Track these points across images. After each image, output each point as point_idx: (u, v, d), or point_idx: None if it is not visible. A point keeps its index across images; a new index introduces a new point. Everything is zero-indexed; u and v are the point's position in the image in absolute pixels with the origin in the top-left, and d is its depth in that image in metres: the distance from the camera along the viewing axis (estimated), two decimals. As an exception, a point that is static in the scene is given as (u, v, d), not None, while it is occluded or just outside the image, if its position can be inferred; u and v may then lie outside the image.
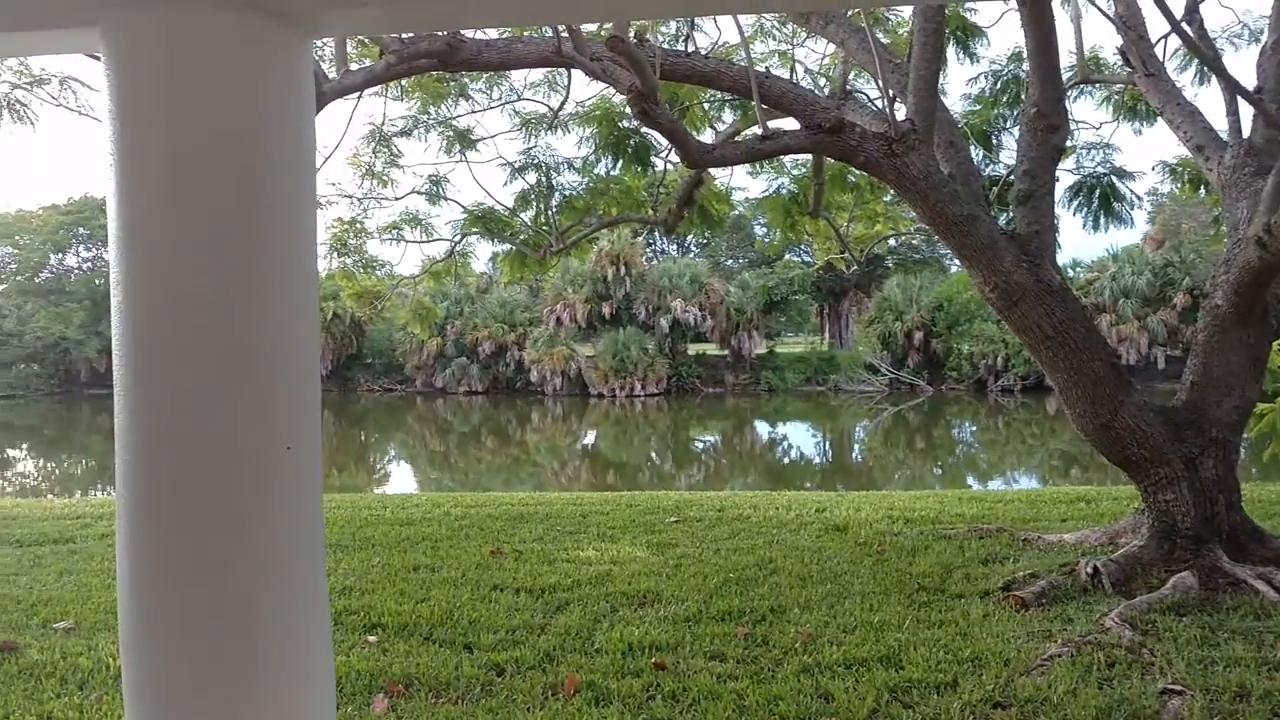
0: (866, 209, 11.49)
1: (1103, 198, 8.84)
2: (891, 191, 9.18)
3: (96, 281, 44.72)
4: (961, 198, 6.26)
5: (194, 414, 1.75)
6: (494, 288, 38.52)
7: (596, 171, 9.92)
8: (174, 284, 1.75)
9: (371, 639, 5.41)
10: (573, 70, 8.45)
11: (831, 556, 7.06)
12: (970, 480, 20.61)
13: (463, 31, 6.46)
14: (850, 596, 6.05)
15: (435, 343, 37.20)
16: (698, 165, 7.39)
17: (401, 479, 23.92)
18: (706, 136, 9.04)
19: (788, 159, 9.57)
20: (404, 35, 6.33)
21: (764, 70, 7.55)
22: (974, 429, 30.80)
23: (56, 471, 26.15)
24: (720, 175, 10.25)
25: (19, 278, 45.87)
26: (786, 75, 8.73)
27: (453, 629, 5.57)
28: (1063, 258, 7.17)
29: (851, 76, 8.71)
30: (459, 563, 7.08)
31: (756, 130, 7.54)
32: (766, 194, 10.42)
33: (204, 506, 1.77)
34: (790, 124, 7.07)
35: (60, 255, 46.17)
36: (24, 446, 32.22)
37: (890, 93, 6.73)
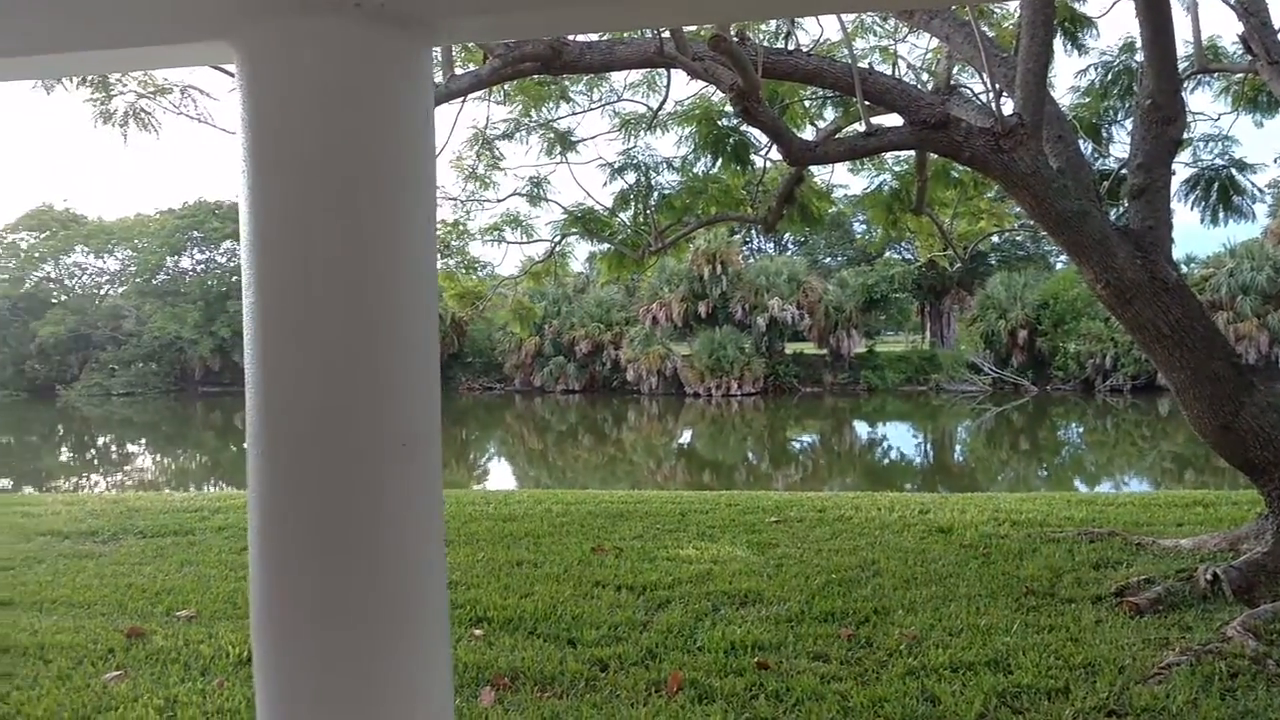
0: (970, 205, 11.27)
1: (1221, 191, 8.52)
2: (997, 187, 9.01)
3: (209, 283, 46.35)
4: (1071, 193, 6.11)
5: (320, 412, 1.81)
6: (591, 287, 38.80)
7: (695, 170, 9.93)
8: (302, 286, 1.81)
9: (478, 632, 5.51)
10: (673, 70, 8.48)
11: (936, 558, 6.96)
12: (1078, 483, 20.08)
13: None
14: (956, 599, 5.95)
15: (533, 342, 37.65)
16: (799, 163, 7.36)
17: (501, 476, 24.29)
18: (807, 134, 8.99)
19: (889, 155, 9.46)
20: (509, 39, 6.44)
21: (867, 66, 7.47)
22: (1081, 430, 29.98)
23: (173, 466, 27.16)
24: (820, 172, 10.18)
25: (138, 280, 47.76)
26: (889, 71, 8.62)
27: (556, 624, 5.65)
28: (1177, 253, 6.93)
29: (955, 71, 8.57)
30: (561, 559, 7.16)
31: (859, 127, 7.47)
32: (868, 191, 10.31)
33: (329, 502, 1.83)
34: (893, 120, 6.99)
35: (176, 258, 47.91)
36: (142, 442, 33.57)
37: (997, 87, 6.60)
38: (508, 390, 40.58)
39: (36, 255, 47.91)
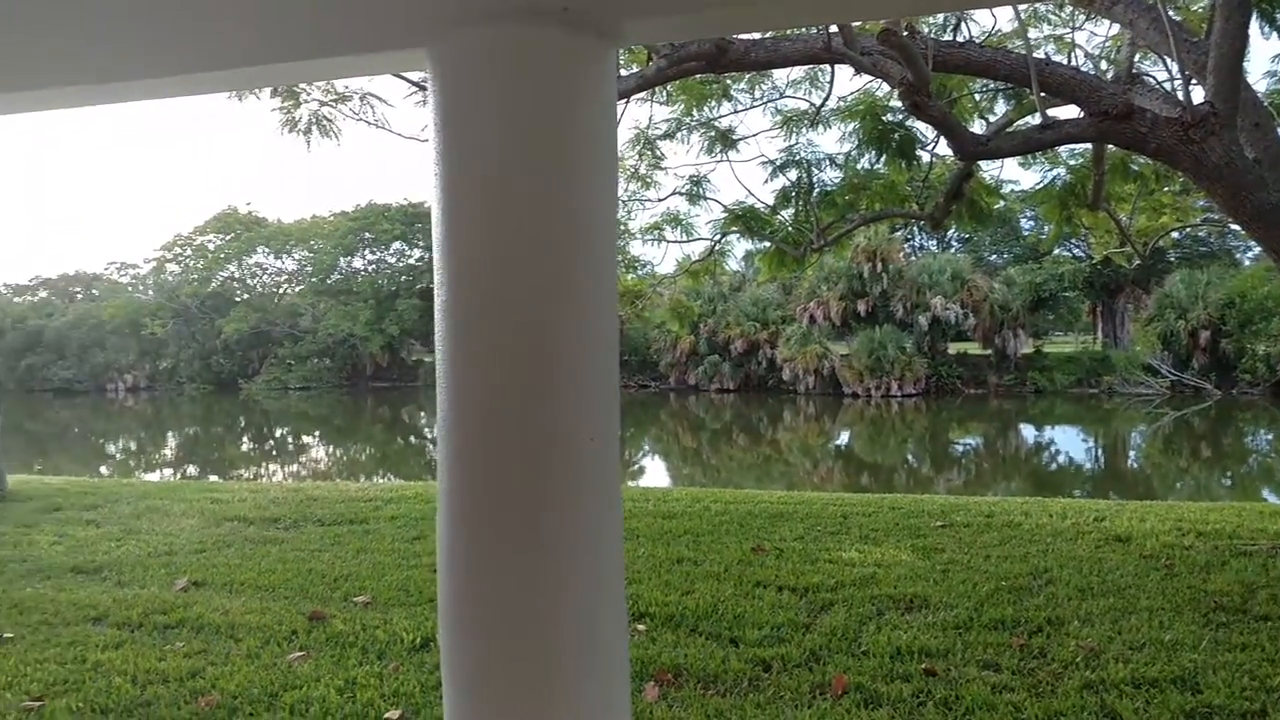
0: (1151, 200, 10.73)
1: None
2: (1182, 180, 8.55)
3: (380, 283, 48.21)
4: (1270, 185, 5.74)
5: (507, 407, 1.86)
6: (747, 286, 38.64)
7: (858, 167, 9.78)
8: (492, 285, 1.86)
9: (640, 627, 5.56)
10: (837, 66, 8.37)
11: (1114, 569, 6.65)
12: (1267, 494, 18.86)
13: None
14: (1136, 612, 5.68)
15: (689, 341, 37.74)
16: (971, 158, 7.14)
17: (656, 473, 24.43)
18: (977, 127, 8.72)
19: (1063, 148, 9.09)
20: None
21: (1043, 57, 7.19)
22: (1270, 437, 28.14)
23: (344, 457, 28.36)
24: (989, 167, 9.87)
25: (313, 279, 50.10)
26: (1065, 61, 8.28)
27: (718, 622, 5.65)
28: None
29: (1137, 59, 8.17)
30: (721, 558, 7.16)
31: (1032, 120, 7.21)
32: (1040, 186, 9.94)
33: (514, 496, 1.88)
34: (1070, 112, 6.71)
35: (348, 258, 50.02)
36: (316, 434, 35.18)
37: (1186, 73, 6.26)
38: (663, 388, 40.81)
39: (222, 256, 50.82)
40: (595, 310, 1.94)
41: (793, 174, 9.85)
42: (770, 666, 4.97)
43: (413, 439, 33.01)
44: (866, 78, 8.32)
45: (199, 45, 2.14)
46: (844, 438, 29.84)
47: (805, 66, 8.98)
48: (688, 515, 8.82)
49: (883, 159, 9.04)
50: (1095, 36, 9.56)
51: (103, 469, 25.09)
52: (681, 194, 10.40)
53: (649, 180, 10.41)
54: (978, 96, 9.02)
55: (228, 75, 2.17)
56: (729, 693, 4.67)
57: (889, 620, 5.64)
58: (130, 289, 53.38)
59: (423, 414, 39.71)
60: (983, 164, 8.89)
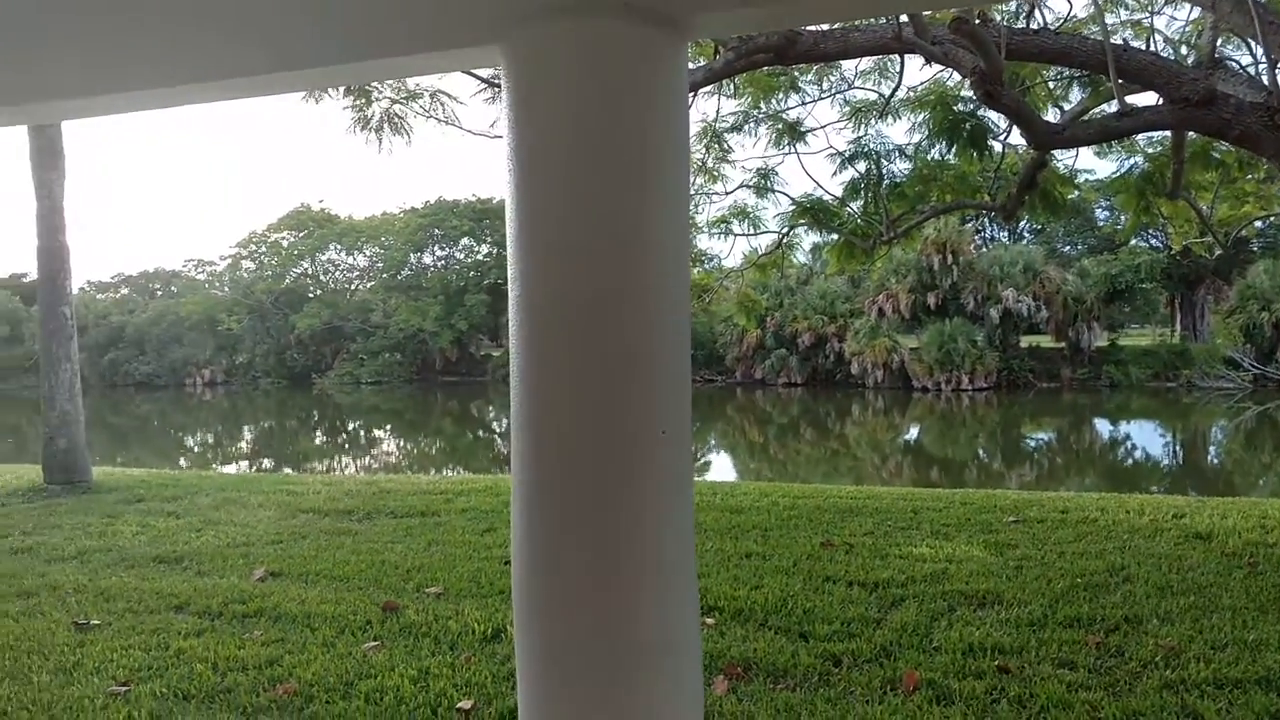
0: (1233, 188, 10.43)
1: None
2: (1266, 167, 8.30)
3: (449, 278, 48.73)
4: (1359, 171, 5.55)
5: (579, 401, 1.87)
6: (814, 279, 38.33)
7: (929, 158, 9.64)
8: (564, 279, 1.88)
9: (709, 621, 5.57)
10: (906, 56, 8.26)
11: (1194, 566, 6.50)
12: (1356, 491, 18.23)
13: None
14: (1218, 611, 5.54)
15: (755, 334, 37.54)
16: (1045, 147, 7.01)
17: (722, 467, 24.38)
18: (1050, 116, 8.55)
19: (1141, 136, 8.88)
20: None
21: (1120, 43, 7.03)
22: (1361, 433, 27.22)
23: (414, 451, 28.74)
24: (1064, 156, 9.67)
25: (384, 275, 50.83)
26: (1143, 47, 8.08)
27: (787, 617, 5.63)
28: None
29: (1219, 43, 7.94)
30: (790, 552, 7.13)
31: (1109, 108, 7.05)
32: (1117, 175, 9.71)
33: (588, 489, 1.89)
34: (1149, 99, 6.55)
35: (418, 254, 50.64)
36: (388, 428, 35.69)
37: (1273, 57, 6.07)
38: (729, 382, 40.67)
39: (295, 253, 51.77)
40: (668, 304, 1.95)
41: (861, 166, 9.74)
42: (840, 661, 4.95)
43: (481, 433, 33.35)
44: (937, 67, 8.21)
45: (275, 47, 2.18)
46: (913, 432, 29.50)
47: (874, 57, 8.88)
48: (756, 510, 8.79)
49: (953, 149, 8.90)
50: (1175, 21, 9.32)
51: (181, 461, 25.73)
52: (749, 187, 10.36)
53: (716, 174, 10.39)
54: (1051, 84, 8.84)
55: (303, 75, 2.21)
56: (799, 687, 4.65)
57: (961, 616, 5.57)
58: (207, 286, 54.63)
59: (491, 408, 40.09)
60: (1057, 153, 8.71)
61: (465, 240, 49.54)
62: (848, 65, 9.42)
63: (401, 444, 30.83)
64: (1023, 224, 42.28)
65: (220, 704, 4.59)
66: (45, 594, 6.57)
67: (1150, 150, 9.33)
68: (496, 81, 7.45)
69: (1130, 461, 23.09)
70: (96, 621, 5.92)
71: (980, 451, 25.05)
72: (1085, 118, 7.67)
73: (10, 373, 51.47)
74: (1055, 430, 28.76)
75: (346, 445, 30.49)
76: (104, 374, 48.59)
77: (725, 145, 10.10)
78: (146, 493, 10.69)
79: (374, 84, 7.29)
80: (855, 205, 10.13)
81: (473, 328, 47.52)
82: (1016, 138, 9.11)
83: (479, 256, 49.60)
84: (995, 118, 8.57)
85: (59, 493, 11.01)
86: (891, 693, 4.56)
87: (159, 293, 56.48)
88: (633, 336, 1.85)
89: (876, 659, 4.97)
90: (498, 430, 33.56)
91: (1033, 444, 26.46)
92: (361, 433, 34.35)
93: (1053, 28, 7.35)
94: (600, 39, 1.86)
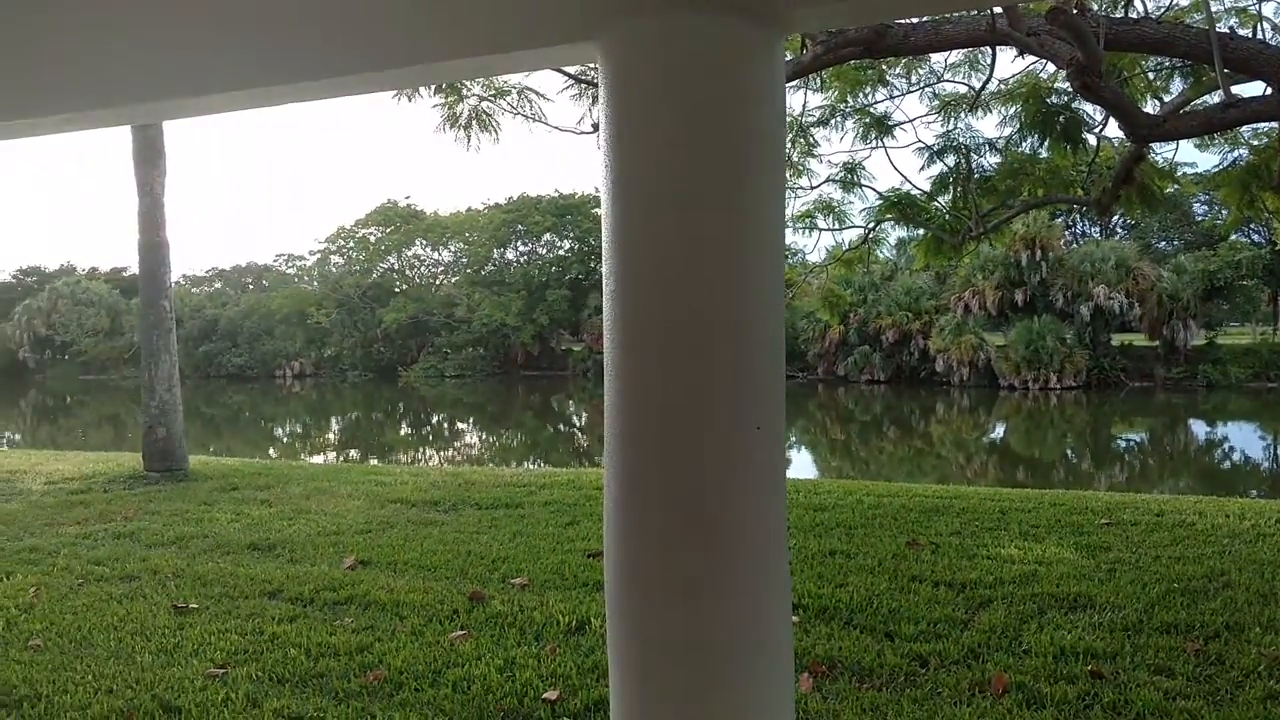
0: (1343, 180, 10.00)
1: None
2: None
3: (531, 273, 49.16)
4: None
5: (674, 395, 1.88)
6: (898, 274, 37.83)
7: (1020, 151, 9.44)
8: (660, 274, 1.88)
9: (794, 618, 5.53)
10: (998, 48, 8.10)
11: (1299, 573, 6.27)
12: None
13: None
14: (1325, 620, 5.34)
15: (838, 330, 37.17)
16: (1145, 140, 6.82)
17: (802, 465, 24.21)
18: (1149, 108, 8.30)
19: (1245, 127, 8.57)
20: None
21: (1226, 31, 6.80)
22: None
23: (497, 444, 29.06)
24: (1162, 149, 9.38)
25: (468, 270, 51.49)
26: (1249, 35, 7.80)
27: (872, 616, 5.58)
28: None
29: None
30: (875, 551, 7.06)
31: (1212, 98, 6.83)
32: (1219, 168, 9.40)
33: (681, 483, 1.90)
34: (1255, 89, 6.33)
35: (502, 250, 51.17)
36: (470, 421, 36.17)
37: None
38: (810, 379, 40.32)
39: (383, 248, 52.71)
40: (762, 299, 1.95)
41: (950, 159, 9.58)
42: (927, 662, 4.88)
43: (561, 427, 33.60)
44: (1030, 59, 8.03)
45: (372, 45, 2.22)
46: (999, 431, 28.96)
47: (965, 50, 8.72)
48: (839, 508, 8.71)
49: (1046, 143, 8.71)
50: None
51: (271, 451, 26.39)
52: (835, 181, 10.25)
53: (802, 168, 10.29)
54: (1151, 75, 8.59)
55: (401, 74, 2.25)
56: (885, 687, 4.60)
57: (1051, 619, 5.45)
58: (297, 280, 55.93)
59: (571, 402, 40.36)
60: (1155, 146, 8.46)
61: (547, 236, 49.93)
62: (937, 58, 9.27)
63: (483, 437, 31.20)
64: (1115, 219, 41.17)
65: (313, 688, 4.71)
66: (146, 578, 6.79)
67: (1255, 142, 9.01)
68: (584, 78, 7.49)
69: (1228, 464, 22.36)
70: (194, 605, 6.10)
71: (1069, 452, 24.49)
72: (1187, 109, 7.44)
73: (111, 364, 53.34)
74: (1148, 431, 27.98)
75: (430, 437, 30.97)
76: (198, 365, 49.99)
77: (811, 139, 10.01)
78: (240, 481, 10.98)
79: (465, 81, 7.38)
80: (943, 200, 9.96)
81: (554, 322, 47.87)
82: (1112, 130, 8.89)
83: (561, 252, 49.96)
84: (1090, 110, 8.37)
85: (158, 480, 11.37)
86: (980, 695, 4.48)
87: (251, 286, 58.00)
88: (728, 332, 1.85)
89: (964, 660, 4.90)
90: (578, 424, 33.79)
91: (1124, 445, 25.78)
92: (445, 425, 34.85)
93: (1154, 16, 7.15)
94: (698, 35, 1.86)
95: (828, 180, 10.60)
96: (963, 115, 9.53)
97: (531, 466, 22.17)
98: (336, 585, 6.42)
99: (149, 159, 12.26)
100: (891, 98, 9.75)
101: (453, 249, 53.22)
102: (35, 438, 31.97)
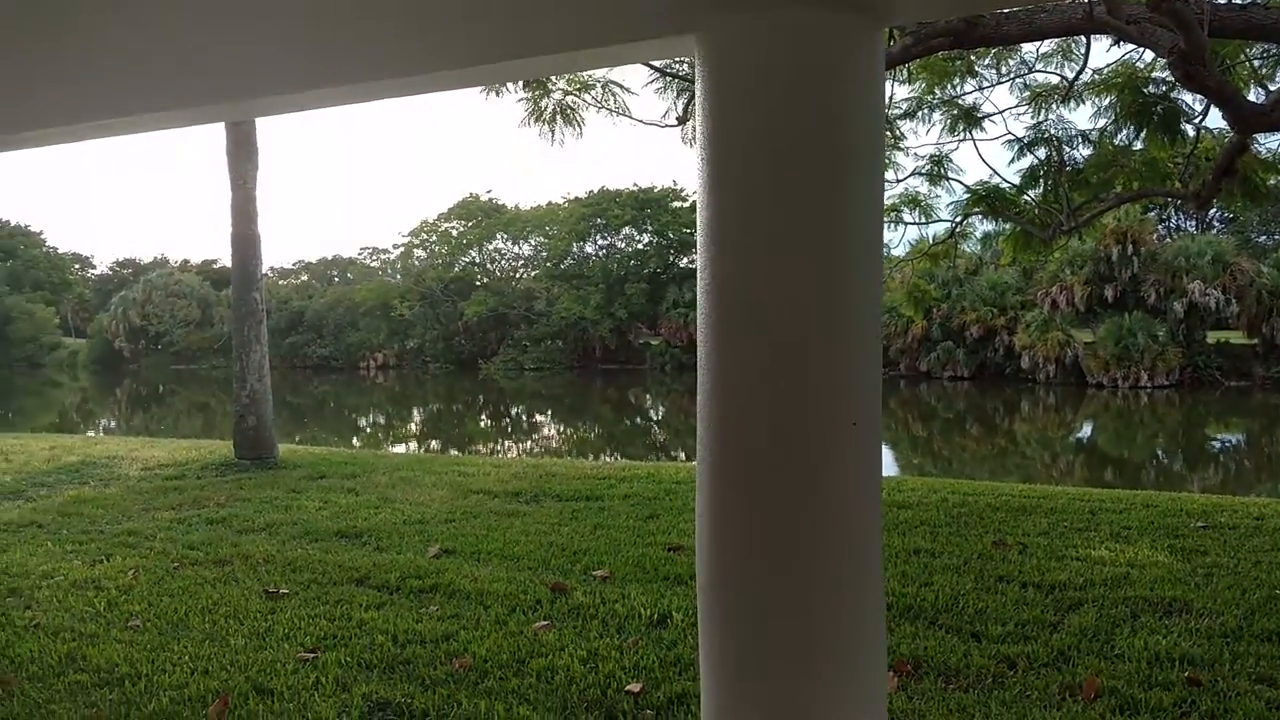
0: None
1: None
2: None
3: (610, 267, 49.37)
4: None
5: (768, 389, 1.86)
6: (983, 269, 37.15)
7: (1115, 143, 9.20)
8: (757, 268, 1.87)
9: (878, 617, 5.47)
10: (1092, 37, 7.90)
11: None
12: None
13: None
14: None
15: (920, 326, 36.65)
16: (1249, 130, 6.58)
17: (883, 461, 23.88)
18: (1253, 96, 8.02)
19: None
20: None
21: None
22: None
23: (574, 436, 29.24)
24: (1267, 140, 9.06)
25: (548, 264, 51.91)
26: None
27: (958, 616, 5.49)
28: None
29: None
30: (960, 550, 6.95)
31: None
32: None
33: (775, 479, 1.88)
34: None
35: (580, 244, 51.47)
36: (548, 413, 36.45)
37: None
38: (892, 375, 39.80)
39: (464, 242, 53.38)
40: (861, 293, 1.92)
41: (1041, 152, 9.37)
42: (1015, 664, 4.79)
43: (639, 420, 33.67)
44: (1127, 47, 7.82)
45: (466, 41, 2.24)
46: (1086, 430, 28.29)
47: (1058, 39, 8.53)
48: (923, 505, 8.59)
49: (1142, 134, 8.47)
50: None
51: (355, 441, 26.90)
52: (921, 174, 10.10)
53: (888, 161, 10.17)
54: (1257, 63, 8.30)
55: (494, 69, 2.26)
56: (972, 688, 4.53)
57: (1145, 624, 5.31)
58: (381, 273, 56.96)
59: (648, 396, 40.44)
60: (1259, 136, 8.17)
61: (627, 229, 50.07)
62: (1028, 48, 9.07)
63: (561, 429, 31.43)
64: (1212, 213, 39.90)
65: (400, 674, 4.79)
66: (238, 562, 6.97)
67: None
68: (670, 71, 7.49)
69: (1330, 467, 21.54)
70: (285, 590, 6.25)
71: (1160, 452, 23.83)
72: (1294, 98, 7.16)
73: (202, 354, 54.88)
74: (1245, 432, 27.08)
75: (509, 429, 31.28)
76: (285, 356, 51.16)
77: (897, 132, 9.88)
78: (328, 470, 11.22)
79: (551, 77, 7.43)
80: (1033, 193, 9.75)
81: (632, 316, 48.00)
82: (1212, 120, 8.62)
83: (640, 246, 50.06)
84: (1189, 99, 8.12)
85: (248, 468, 11.67)
86: (1071, 699, 4.39)
87: (336, 279, 59.21)
88: (825, 325, 1.83)
89: (1054, 663, 4.80)
90: (655, 419, 33.84)
91: (1220, 446, 25.00)
92: (523, 417, 35.17)
93: (1262, 2, 6.90)
94: (800, 27, 1.84)
95: (914, 173, 10.46)
96: (1054, 106, 9.31)
97: (608, 459, 22.26)
98: (422, 573, 6.52)
99: (242, 154, 12.57)
100: (980, 89, 9.58)
101: (532, 243, 53.70)
102: (130, 425, 33.07)
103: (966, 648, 5.00)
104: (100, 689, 4.66)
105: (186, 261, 64.82)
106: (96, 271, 71.54)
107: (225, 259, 13.20)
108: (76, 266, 70.50)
